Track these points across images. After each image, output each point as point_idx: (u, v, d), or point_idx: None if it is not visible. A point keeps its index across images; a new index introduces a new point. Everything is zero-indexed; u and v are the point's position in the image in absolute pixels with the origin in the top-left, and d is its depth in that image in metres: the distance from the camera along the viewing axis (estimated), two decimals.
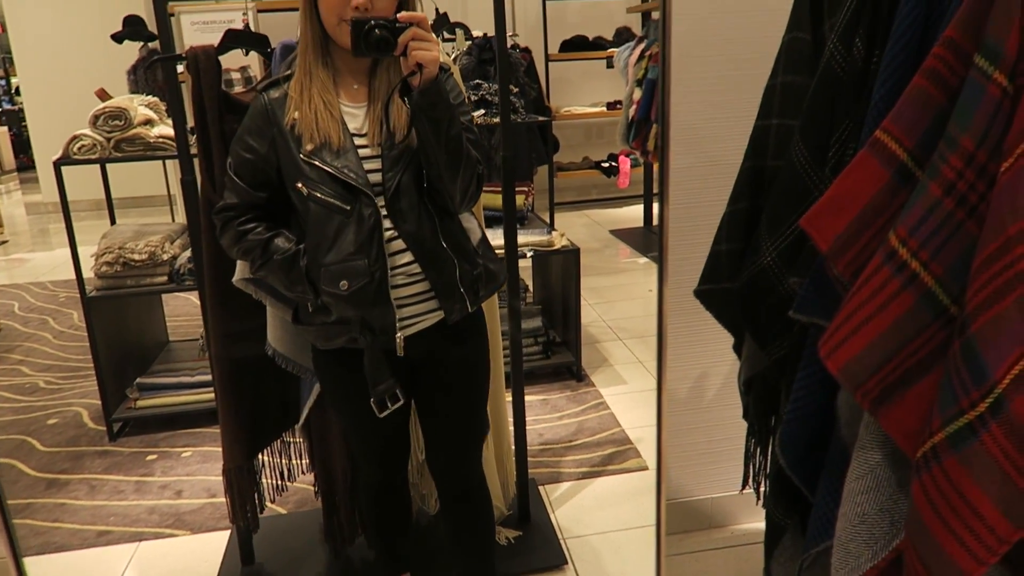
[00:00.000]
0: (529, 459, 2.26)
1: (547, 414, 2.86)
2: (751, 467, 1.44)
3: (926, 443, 0.83)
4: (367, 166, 1.37)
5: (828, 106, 1.04)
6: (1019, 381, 0.77)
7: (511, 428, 2.19)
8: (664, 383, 1.46)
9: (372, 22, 1.26)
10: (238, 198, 1.42)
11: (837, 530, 0.96)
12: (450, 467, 1.62)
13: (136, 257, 2.68)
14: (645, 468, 2.46)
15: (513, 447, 2.19)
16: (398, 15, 1.28)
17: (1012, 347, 0.77)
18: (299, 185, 1.36)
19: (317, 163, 1.35)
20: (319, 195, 1.35)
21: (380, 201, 1.37)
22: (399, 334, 1.41)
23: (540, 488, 2.37)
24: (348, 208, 1.35)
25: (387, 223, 1.38)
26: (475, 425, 1.61)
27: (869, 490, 0.94)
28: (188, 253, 2.79)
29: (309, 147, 1.35)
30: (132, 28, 5.48)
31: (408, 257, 1.40)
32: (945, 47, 0.82)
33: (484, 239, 1.54)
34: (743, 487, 1.47)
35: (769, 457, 1.38)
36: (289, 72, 1.42)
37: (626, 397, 2.99)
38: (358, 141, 1.38)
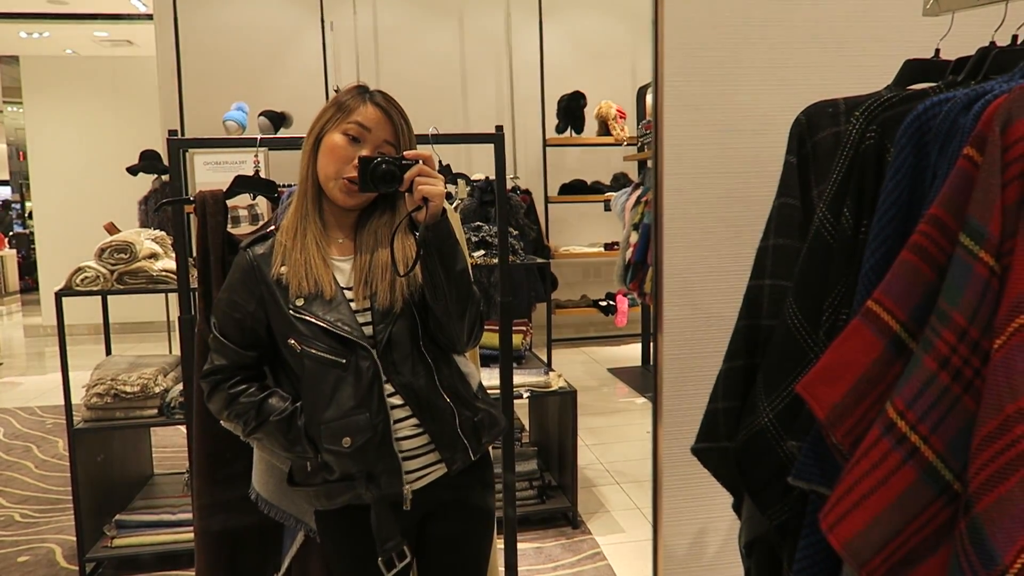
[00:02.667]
0: None
1: (540, 563, 2.74)
2: None
3: None
4: (360, 320, 1.36)
5: (820, 271, 1.06)
6: None
7: None
8: (663, 537, 1.41)
9: (379, 158, 1.30)
10: (226, 359, 1.38)
11: None
12: None
13: (128, 389, 2.65)
14: None
15: None
16: (404, 152, 1.32)
17: (1020, 530, 0.75)
18: (291, 341, 1.33)
19: (308, 317, 1.32)
20: (313, 351, 1.32)
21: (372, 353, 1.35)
22: (407, 486, 1.36)
23: None
24: (344, 362, 1.32)
25: (382, 376, 1.35)
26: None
27: None
28: (180, 387, 2.76)
29: (299, 302, 1.33)
30: (148, 162, 5.71)
31: (407, 410, 1.36)
32: (930, 224, 0.84)
33: (482, 384, 1.51)
34: None
35: None
36: (273, 228, 1.43)
37: (624, 547, 2.87)
38: (346, 295, 1.37)
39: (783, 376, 1.10)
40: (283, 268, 1.35)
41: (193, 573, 2.68)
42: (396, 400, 1.35)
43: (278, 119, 5.41)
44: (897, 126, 0.97)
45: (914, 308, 0.85)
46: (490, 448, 1.51)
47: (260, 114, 5.37)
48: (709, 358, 1.36)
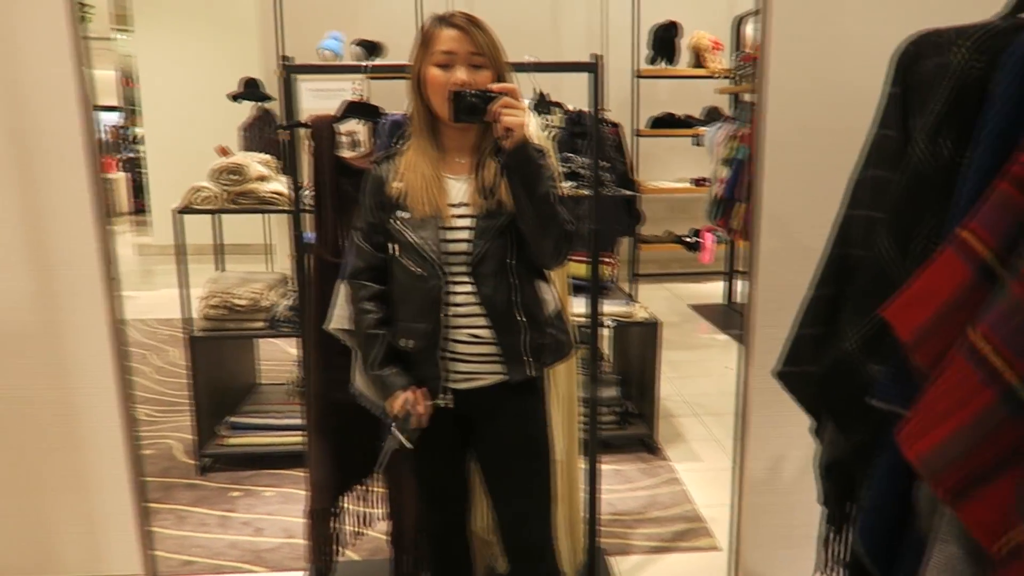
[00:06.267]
0: (599, 528, 2.27)
1: (619, 484, 2.86)
2: (827, 554, 1.43)
3: (1006, 540, 0.83)
4: (462, 235, 1.49)
5: (914, 202, 1.08)
6: None
7: (583, 495, 2.21)
8: (745, 462, 1.47)
9: (467, 92, 1.42)
10: (361, 261, 1.58)
11: None
12: (514, 526, 1.66)
13: (239, 302, 2.86)
14: (717, 548, 2.42)
15: (584, 514, 2.20)
16: (491, 85, 1.44)
17: None
18: (392, 246, 1.54)
19: (407, 231, 1.50)
20: (402, 260, 1.52)
21: (465, 262, 1.48)
22: (452, 384, 1.53)
23: (609, 558, 2.36)
24: (424, 275, 1.49)
25: (469, 287, 1.49)
26: (535, 484, 1.65)
27: None
28: (286, 301, 2.96)
29: (403, 214, 1.50)
30: (249, 90, 5.92)
31: (481, 321, 1.51)
32: None
33: (559, 311, 1.62)
34: (816, 574, 1.45)
35: (846, 545, 1.37)
36: (402, 145, 1.58)
37: (700, 474, 2.96)
38: (460, 211, 1.51)
39: (871, 304, 1.13)
40: (399, 184, 1.52)
41: (294, 472, 2.93)
42: (477, 309, 1.50)
43: (371, 48, 5.49)
44: None
45: (1004, 235, 0.87)
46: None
47: (354, 43, 5.46)
48: (797, 290, 1.39)
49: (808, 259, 1.32)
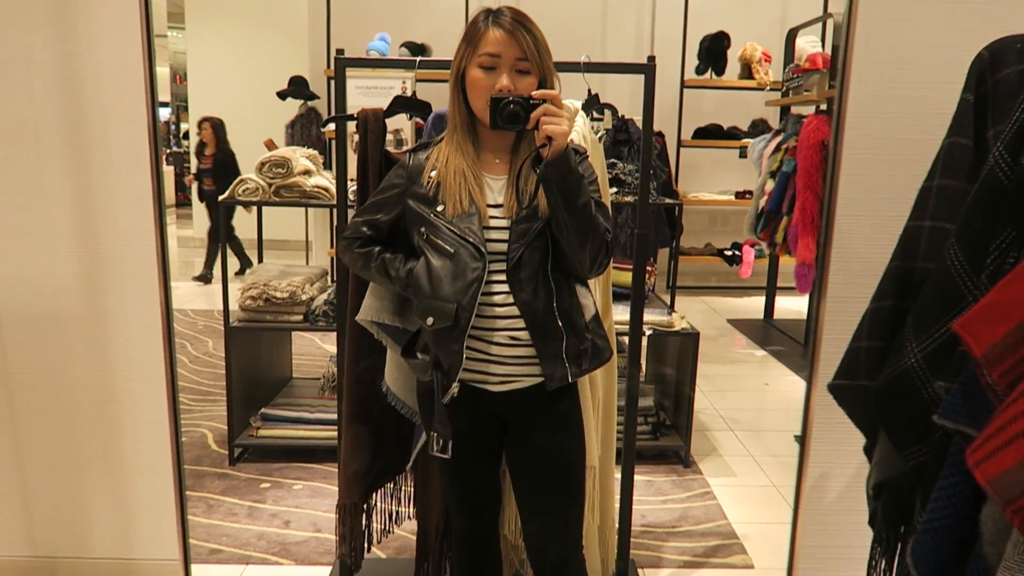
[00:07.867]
0: (631, 539, 2.22)
1: (651, 496, 2.81)
2: None
3: None
4: (496, 235, 1.45)
5: (989, 213, 1.03)
6: None
7: (617, 505, 2.16)
8: (804, 482, 1.42)
9: (508, 99, 1.37)
10: (360, 217, 1.58)
11: None
12: (542, 537, 1.60)
13: (278, 295, 2.87)
14: (751, 566, 2.36)
15: (617, 525, 2.16)
16: (532, 92, 1.39)
17: None
18: (422, 229, 1.48)
19: (443, 221, 1.45)
20: (433, 238, 1.46)
21: (502, 266, 1.45)
22: (456, 384, 1.46)
23: (639, 571, 2.31)
24: (451, 251, 1.43)
25: (506, 287, 1.45)
26: (567, 496, 1.58)
27: None
28: (324, 296, 2.96)
29: (440, 208, 1.46)
30: (296, 87, 5.98)
31: (520, 324, 1.46)
32: None
33: (596, 316, 1.58)
34: None
35: (896, 569, 1.31)
36: (440, 138, 1.55)
37: (734, 490, 2.89)
38: (494, 212, 1.47)
39: (937, 317, 1.08)
40: (433, 174, 1.49)
41: (323, 467, 2.93)
42: (514, 311, 1.46)
43: (418, 50, 5.52)
44: None
45: None
46: None
47: (401, 45, 5.49)
48: (856, 303, 1.35)
49: (877, 274, 1.27)
